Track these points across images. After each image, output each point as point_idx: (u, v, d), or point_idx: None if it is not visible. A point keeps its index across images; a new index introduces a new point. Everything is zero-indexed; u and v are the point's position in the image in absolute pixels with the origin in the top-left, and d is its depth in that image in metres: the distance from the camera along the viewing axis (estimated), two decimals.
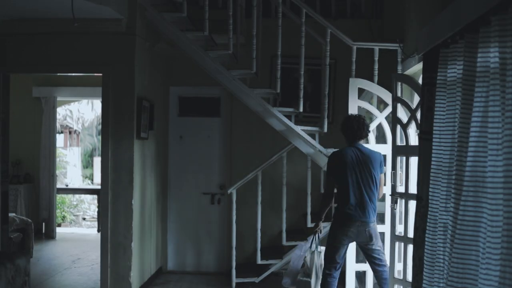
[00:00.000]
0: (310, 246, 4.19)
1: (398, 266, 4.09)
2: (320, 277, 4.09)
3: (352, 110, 4.39)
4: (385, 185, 4.18)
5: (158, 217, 5.69)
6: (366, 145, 4.14)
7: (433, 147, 2.73)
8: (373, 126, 4.48)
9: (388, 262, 4.02)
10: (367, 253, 4.02)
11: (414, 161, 3.74)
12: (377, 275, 4.03)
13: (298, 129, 4.64)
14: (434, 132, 2.73)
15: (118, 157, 4.68)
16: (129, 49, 4.66)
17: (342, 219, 3.94)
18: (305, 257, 4.18)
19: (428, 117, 2.94)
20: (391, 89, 4.08)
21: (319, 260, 4.15)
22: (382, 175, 4.04)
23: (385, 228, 4.43)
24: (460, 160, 2.31)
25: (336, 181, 4.01)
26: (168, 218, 5.89)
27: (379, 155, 4.02)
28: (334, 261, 3.98)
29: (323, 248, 4.18)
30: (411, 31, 4.17)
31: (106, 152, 4.70)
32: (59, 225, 9.42)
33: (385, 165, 4.23)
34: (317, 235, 4.20)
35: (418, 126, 3.53)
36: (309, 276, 4.08)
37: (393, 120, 4.06)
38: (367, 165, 3.92)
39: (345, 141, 4.07)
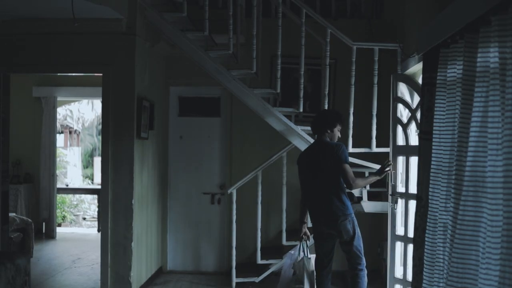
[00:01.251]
0: (298, 254, 4.15)
1: (400, 270, 4.09)
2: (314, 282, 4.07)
3: (393, 106, 4.30)
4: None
5: (158, 217, 5.69)
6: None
7: (433, 147, 2.73)
8: None
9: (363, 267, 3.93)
10: (343, 250, 3.93)
11: (414, 161, 3.74)
12: (350, 284, 3.96)
13: (298, 129, 4.64)
14: (434, 132, 2.73)
15: (118, 157, 4.68)
16: (129, 49, 4.66)
17: (311, 219, 4.01)
18: (294, 264, 4.13)
19: (428, 117, 2.94)
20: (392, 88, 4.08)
21: (310, 266, 4.10)
22: (345, 165, 3.77)
23: None
24: (460, 160, 2.31)
25: (300, 181, 4.04)
26: (168, 218, 5.89)
27: (338, 147, 3.82)
28: (319, 259, 3.99)
29: (313, 256, 4.15)
30: (411, 31, 4.17)
31: (106, 152, 4.70)
32: (59, 225, 9.42)
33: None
34: (304, 241, 4.16)
35: (418, 126, 3.53)
36: (302, 282, 4.04)
37: (393, 120, 4.06)
38: (320, 160, 3.83)
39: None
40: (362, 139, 4.80)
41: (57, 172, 8.71)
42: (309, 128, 4.68)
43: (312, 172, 3.90)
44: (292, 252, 4.25)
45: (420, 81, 3.58)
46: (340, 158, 3.78)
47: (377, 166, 4.57)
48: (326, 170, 3.81)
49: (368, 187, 4.74)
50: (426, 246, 2.74)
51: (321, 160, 3.84)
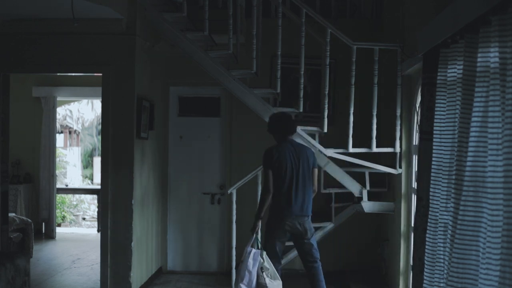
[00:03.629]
0: (257, 248, 4.11)
1: None
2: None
3: None
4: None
5: (158, 217, 5.69)
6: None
7: (434, 147, 2.73)
8: None
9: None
10: (301, 249, 4.16)
11: None
12: (310, 274, 4.15)
13: (298, 129, 4.64)
14: (434, 132, 2.73)
15: (118, 157, 4.68)
16: (129, 49, 4.66)
17: (281, 214, 4.06)
18: (262, 261, 4.05)
19: (429, 117, 2.95)
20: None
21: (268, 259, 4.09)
22: (315, 169, 4.19)
23: None
24: (460, 160, 2.31)
25: (274, 176, 4.07)
26: (168, 218, 5.89)
27: (311, 150, 4.24)
28: (276, 256, 4.12)
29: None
30: (411, 31, 4.17)
31: (106, 152, 4.70)
32: (59, 225, 9.41)
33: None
34: (256, 235, 4.17)
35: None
36: (276, 278, 4.03)
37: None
38: (302, 160, 4.08)
39: (276, 138, 4.26)
40: (361, 139, 4.81)
41: (57, 172, 8.71)
42: (309, 128, 4.71)
43: (294, 170, 4.06)
44: (249, 249, 4.13)
45: (420, 81, 3.57)
46: (315, 163, 4.21)
47: (378, 167, 4.58)
48: (305, 171, 4.09)
49: (368, 187, 4.74)
50: (426, 246, 2.74)
51: (301, 160, 4.08)
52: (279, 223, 4.06)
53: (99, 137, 12.11)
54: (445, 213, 2.53)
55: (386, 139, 4.73)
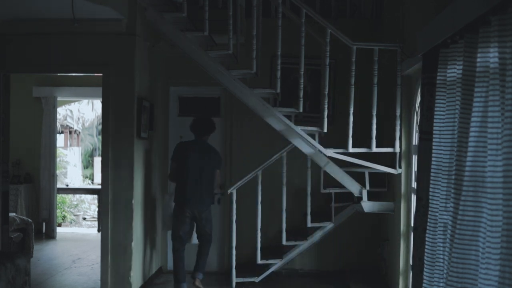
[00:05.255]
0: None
1: None
2: None
3: None
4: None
5: (158, 217, 5.69)
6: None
7: (433, 147, 2.73)
8: None
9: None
10: (198, 231, 5.01)
11: None
12: (199, 250, 5.07)
13: (298, 129, 4.64)
14: (434, 132, 2.73)
15: (118, 157, 4.68)
16: (129, 49, 4.66)
17: (181, 201, 4.82)
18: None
19: (428, 117, 2.95)
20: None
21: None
22: (218, 171, 5.01)
23: None
24: (459, 160, 2.31)
25: (179, 167, 4.82)
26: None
27: (219, 155, 5.03)
28: (178, 236, 4.88)
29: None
30: (410, 31, 4.17)
31: (107, 152, 4.70)
32: (60, 225, 9.42)
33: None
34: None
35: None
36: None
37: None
38: (207, 159, 4.82)
39: (194, 136, 4.96)
40: (361, 139, 4.81)
41: (57, 172, 8.71)
42: (309, 128, 4.71)
43: (198, 165, 4.78)
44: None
45: (420, 81, 3.57)
46: (220, 164, 5.05)
47: (378, 167, 4.58)
48: (209, 169, 4.85)
49: (367, 187, 4.74)
50: (426, 246, 2.74)
51: (207, 159, 4.84)
52: (182, 210, 4.81)
53: (100, 137, 12.13)
54: (444, 213, 2.53)
55: (386, 139, 4.73)
